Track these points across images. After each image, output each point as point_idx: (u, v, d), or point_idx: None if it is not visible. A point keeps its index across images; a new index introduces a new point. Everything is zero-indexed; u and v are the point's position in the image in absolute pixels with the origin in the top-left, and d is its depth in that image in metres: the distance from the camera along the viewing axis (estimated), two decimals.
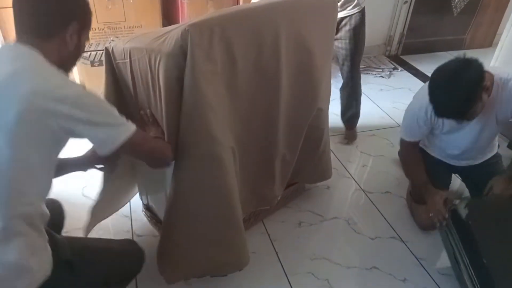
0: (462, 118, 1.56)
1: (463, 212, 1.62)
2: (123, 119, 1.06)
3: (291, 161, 1.84)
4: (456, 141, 1.82)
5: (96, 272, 1.19)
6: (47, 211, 1.08)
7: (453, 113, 1.56)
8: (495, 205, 1.68)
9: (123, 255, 1.31)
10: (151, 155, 1.21)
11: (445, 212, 1.69)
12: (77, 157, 1.42)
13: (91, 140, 1.03)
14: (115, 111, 1.05)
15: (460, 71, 1.48)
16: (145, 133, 1.18)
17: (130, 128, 1.06)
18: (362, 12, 2.20)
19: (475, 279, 1.47)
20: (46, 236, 1.08)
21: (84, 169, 1.44)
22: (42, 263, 1.05)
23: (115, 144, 1.02)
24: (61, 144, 1.03)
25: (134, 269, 1.35)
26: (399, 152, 2.04)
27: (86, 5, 1.09)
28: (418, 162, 1.90)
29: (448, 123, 1.74)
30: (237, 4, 2.79)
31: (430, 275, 1.73)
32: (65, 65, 1.08)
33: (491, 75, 1.57)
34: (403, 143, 1.92)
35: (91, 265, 1.17)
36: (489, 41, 4.19)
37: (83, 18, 1.08)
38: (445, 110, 1.56)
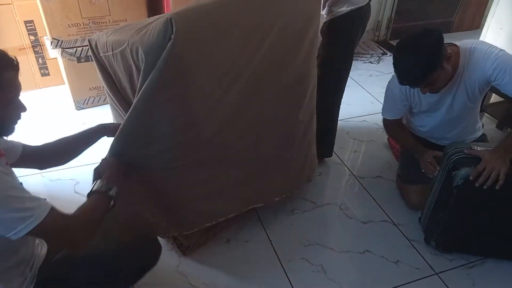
0: (418, 84, 1.61)
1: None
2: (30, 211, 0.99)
3: (285, 157, 1.83)
4: (436, 120, 1.86)
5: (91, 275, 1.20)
6: (20, 259, 1.11)
7: (410, 78, 1.60)
8: None
9: (135, 254, 1.29)
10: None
11: (435, 164, 1.74)
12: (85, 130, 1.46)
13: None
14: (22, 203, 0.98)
15: (418, 38, 1.54)
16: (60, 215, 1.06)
17: (40, 215, 1.00)
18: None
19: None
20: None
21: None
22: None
23: (22, 233, 0.97)
24: None
25: (147, 263, 1.36)
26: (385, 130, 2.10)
27: None
28: (404, 129, 2.00)
29: (424, 100, 1.78)
30: None
31: (422, 256, 1.76)
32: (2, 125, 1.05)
33: (456, 47, 1.63)
34: (385, 121, 2.01)
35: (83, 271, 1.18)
36: (477, 23, 4.20)
37: None
38: (403, 75, 1.59)
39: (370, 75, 3.32)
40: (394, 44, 3.75)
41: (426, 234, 1.80)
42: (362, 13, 1.91)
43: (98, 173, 1.31)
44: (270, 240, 1.82)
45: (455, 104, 1.75)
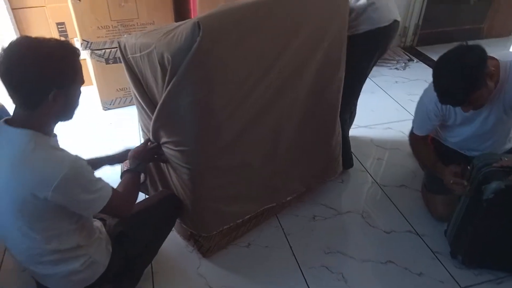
0: (462, 103, 1.54)
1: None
2: (100, 189, 1.18)
3: (299, 158, 1.83)
4: (468, 132, 1.79)
5: (144, 230, 1.46)
6: (91, 230, 1.30)
7: (453, 98, 1.54)
8: None
9: (162, 205, 1.55)
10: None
11: (461, 182, 1.62)
12: (110, 155, 1.59)
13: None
14: (98, 185, 1.17)
15: (460, 56, 1.48)
16: (117, 195, 1.26)
17: (107, 196, 1.20)
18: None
19: None
20: (100, 236, 1.33)
21: (112, 164, 1.60)
22: (103, 254, 1.33)
23: (96, 211, 1.19)
24: (59, 211, 1.14)
25: (174, 213, 1.63)
26: (410, 144, 2.02)
27: (62, 69, 1.07)
28: (427, 147, 1.91)
29: (460, 114, 1.71)
30: None
31: (446, 269, 1.71)
32: (64, 116, 1.17)
33: (496, 61, 1.56)
34: (413, 135, 1.93)
35: (138, 227, 1.43)
36: (508, 30, 4.07)
37: (63, 82, 1.08)
38: (445, 95, 1.54)
39: (396, 82, 3.27)
40: (421, 51, 3.76)
41: (453, 247, 1.74)
42: (384, 33, 1.84)
43: (123, 156, 1.54)
44: (291, 246, 1.80)
45: (490, 117, 1.69)
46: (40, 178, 1.06)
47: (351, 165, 2.24)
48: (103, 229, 1.39)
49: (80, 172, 1.11)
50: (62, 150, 1.13)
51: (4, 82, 1.05)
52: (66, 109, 1.15)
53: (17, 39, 1.07)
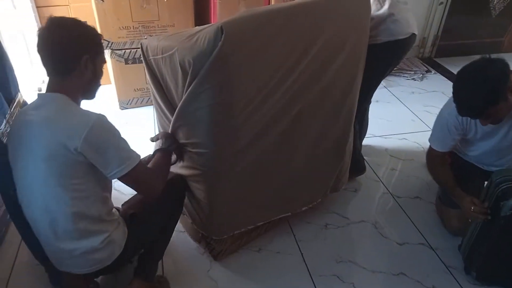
0: (480, 116, 1.53)
1: None
2: (129, 150, 1.23)
3: (315, 167, 1.83)
4: (487, 146, 1.77)
5: (156, 212, 1.47)
6: (112, 210, 1.35)
7: (471, 111, 1.53)
8: None
9: (170, 187, 1.51)
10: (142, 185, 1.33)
11: (483, 210, 1.57)
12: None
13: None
14: (126, 145, 1.23)
15: (482, 69, 1.47)
16: (145, 166, 1.33)
17: (135, 161, 1.23)
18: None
19: None
20: (119, 218, 1.37)
21: None
22: (120, 234, 1.34)
23: (121, 173, 1.20)
24: (87, 169, 1.19)
25: (183, 194, 1.63)
26: (427, 162, 1.99)
27: (93, 37, 1.23)
28: (446, 167, 1.86)
29: (480, 128, 1.69)
30: (269, 2, 2.80)
31: (459, 284, 1.68)
32: (89, 91, 1.28)
33: None
34: (432, 151, 1.89)
35: (149, 210, 1.45)
36: None
37: (92, 49, 1.23)
38: (464, 106, 1.53)
39: (413, 92, 3.25)
40: (439, 62, 3.72)
41: (467, 263, 1.71)
42: (400, 45, 1.85)
43: (157, 136, 1.58)
44: (302, 253, 1.80)
45: (510, 133, 1.66)
46: (71, 127, 1.14)
47: (364, 170, 2.23)
48: (117, 212, 1.42)
49: (108, 125, 1.19)
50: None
51: (44, 47, 1.17)
52: (93, 81, 1.26)
53: (55, 16, 1.21)
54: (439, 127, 1.82)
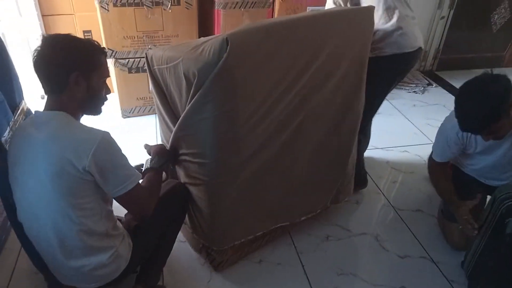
0: (482, 132, 1.54)
1: None
2: (130, 168, 1.24)
3: (315, 178, 1.83)
4: (489, 161, 1.77)
5: (159, 221, 1.46)
6: (116, 223, 1.35)
7: (473, 126, 1.53)
8: None
9: (173, 195, 1.55)
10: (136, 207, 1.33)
11: (473, 223, 1.61)
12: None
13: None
14: (128, 163, 1.24)
15: (485, 85, 1.47)
16: (142, 186, 1.31)
17: (136, 178, 1.24)
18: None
19: None
20: (124, 231, 1.37)
21: None
22: (126, 248, 1.35)
23: (124, 191, 1.21)
24: (94, 187, 1.19)
25: (186, 202, 1.62)
26: (428, 169, 2.01)
27: (85, 53, 1.19)
28: (446, 179, 1.88)
29: (481, 143, 1.70)
30: (272, 15, 2.83)
31: None
32: (89, 107, 1.26)
33: None
34: (432, 162, 1.91)
35: (153, 220, 1.39)
36: None
37: (83, 66, 1.19)
38: (466, 121, 1.53)
39: (414, 105, 3.26)
40: (441, 75, 3.75)
41: (470, 280, 1.69)
42: (408, 58, 1.86)
43: (149, 150, 1.55)
44: (303, 265, 1.79)
45: None
46: (77, 144, 1.13)
47: (365, 184, 2.23)
48: (121, 225, 1.41)
49: (113, 142, 1.19)
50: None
51: (35, 67, 1.17)
52: (90, 97, 1.22)
53: (53, 34, 1.22)
54: (440, 140, 1.84)
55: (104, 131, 1.18)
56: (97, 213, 1.23)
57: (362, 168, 2.20)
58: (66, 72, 1.16)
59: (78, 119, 1.25)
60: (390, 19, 1.78)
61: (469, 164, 1.89)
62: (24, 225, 1.27)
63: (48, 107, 1.20)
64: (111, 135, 1.19)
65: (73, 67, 1.16)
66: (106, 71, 1.27)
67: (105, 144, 1.15)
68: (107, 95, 1.30)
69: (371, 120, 2.17)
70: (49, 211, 1.18)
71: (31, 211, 1.22)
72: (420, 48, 1.86)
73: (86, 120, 1.26)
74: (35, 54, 1.16)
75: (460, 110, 1.55)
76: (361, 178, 2.20)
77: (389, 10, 1.78)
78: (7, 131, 1.63)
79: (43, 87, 1.20)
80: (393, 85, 2.01)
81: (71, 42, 1.18)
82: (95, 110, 1.28)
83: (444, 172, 1.91)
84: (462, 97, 1.55)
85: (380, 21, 1.78)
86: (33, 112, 1.25)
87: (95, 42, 1.23)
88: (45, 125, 1.17)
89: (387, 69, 1.87)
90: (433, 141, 1.92)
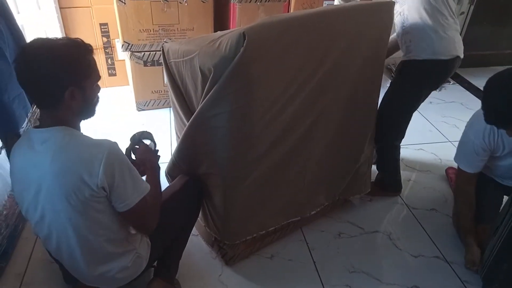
0: (507, 124, 1.50)
1: None
2: (139, 178, 1.21)
3: (327, 174, 1.82)
4: (510, 162, 1.73)
5: (175, 217, 1.47)
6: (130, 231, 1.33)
7: (498, 117, 1.50)
8: None
9: (186, 190, 1.56)
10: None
11: (478, 265, 1.70)
12: None
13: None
14: (137, 173, 1.21)
15: None
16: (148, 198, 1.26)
17: (146, 187, 1.22)
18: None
19: None
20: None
21: None
22: (145, 248, 1.37)
23: (134, 200, 1.18)
24: (102, 202, 1.16)
25: (200, 195, 1.62)
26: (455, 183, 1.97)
27: (76, 65, 1.09)
28: (471, 203, 1.83)
29: (508, 144, 1.66)
30: (288, 9, 2.81)
31: None
32: (87, 113, 1.20)
33: None
34: (462, 173, 1.84)
35: (169, 215, 1.40)
36: None
37: (77, 79, 1.10)
38: (491, 113, 1.51)
39: (431, 102, 3.20)
40: (458, 73, 3.67)
41: (485, 281, 1.67)
42: (442, 66, 1.76)
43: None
44: (314, 262, 1.78)
45: None
46: (85, 159, 1.09)
47: (400, 190, 2.19)
48: None
49: (120, 152, 1.16)
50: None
51: (22, 84, 1.10)
52: (86, 105, 1.16)
53: (30, 42, 1.10)
54: (466, 150, 1.78)
55: (109, 141, 1.14)
56: (115, 220, 1.22)
57: (398, 173, 2.14)
58: (59, 89, 1.07)
59: (78, 127, 1.20)
60: (421, 17, 1.69)
61: (495, 165, 1.83)
62: (41, 238, 1.27)
63: (44, 123, 1.13)
64: (119, 145, 1.16)
65: (66, 83, 1.07)
66: (97, 73, 1.18)
67: (113, 156, 1.11)
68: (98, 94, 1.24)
69: (405, 127, 2.04)
70: (70, 229, 1.16)
71: (48, 229, 1.20)
72: (458, 57, 1.77)
73: (101, 114, 1.23)
74: (17, 67, 1.06)
75: (487, 101, 1.52)
76: (397, 183, 2.17)
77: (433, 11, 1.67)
78: (25, 121, 1.66)
79: (34, 101, 1.14)
80: (423, 93, 1.89)
81: (54, 54, 1.06)
82: (91, 114, 1.22)
83: (472, 191, 1.84)
84: (490, 89, 1.51)
85: (413, 17, 1.69)
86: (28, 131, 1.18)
87: (78, 42, 1.12)
88: (45, 144, 1.10)
89: (419, 76, 1.80)
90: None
